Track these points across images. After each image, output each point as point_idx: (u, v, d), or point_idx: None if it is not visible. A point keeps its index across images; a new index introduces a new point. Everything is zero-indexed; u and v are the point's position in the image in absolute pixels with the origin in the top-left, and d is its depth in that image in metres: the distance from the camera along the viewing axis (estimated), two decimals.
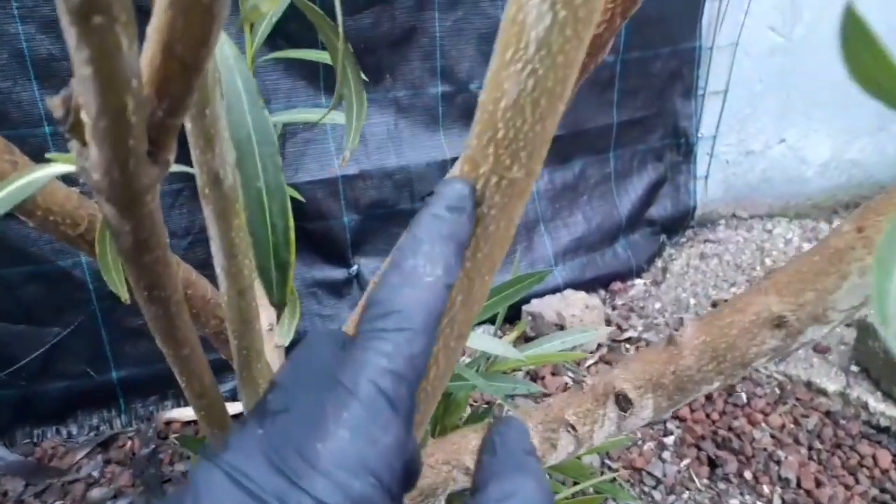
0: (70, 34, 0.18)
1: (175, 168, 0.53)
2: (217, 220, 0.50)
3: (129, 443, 1.32)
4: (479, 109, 0.34)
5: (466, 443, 0.78)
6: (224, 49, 0.39)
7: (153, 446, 1.31)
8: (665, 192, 1.80)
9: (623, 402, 0.62)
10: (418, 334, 0.27)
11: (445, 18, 1.36)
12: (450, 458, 0.79)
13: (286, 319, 0.70)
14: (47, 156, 0.38)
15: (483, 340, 0.77)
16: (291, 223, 0.42)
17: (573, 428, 0.67)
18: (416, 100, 1.36)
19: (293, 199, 1.10)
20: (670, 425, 1.30)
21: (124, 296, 0.55)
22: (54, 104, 0.25)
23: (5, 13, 1.06)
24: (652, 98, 1.65)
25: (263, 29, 0.94)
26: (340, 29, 0.49)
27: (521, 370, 1.35)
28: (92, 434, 1.33)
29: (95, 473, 1.26)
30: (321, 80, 1.28)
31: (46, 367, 1.27)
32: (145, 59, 0.22)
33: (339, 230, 1.38)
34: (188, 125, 0.45)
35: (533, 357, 0.85)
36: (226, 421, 0.69)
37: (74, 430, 1.33)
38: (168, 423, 1.35)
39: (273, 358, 0.91)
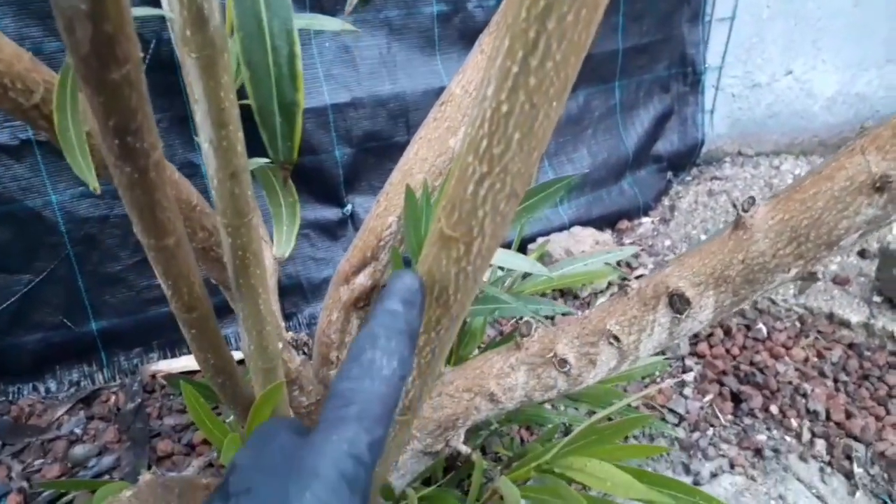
0: None
1: (146, 11, 0.43)
2: (202, 74, 0.40)
3: (113, 397, 1.23)
4: None
5: (490, 367, 0.69)
6: None
7: (139, 400, 1.22)
8: (672, 125, 1.71)
9: (679, 303, 0.54)
10: (377, 423, 0.29)
11: None
12: (472, 384, 0.71)
13: (284, 226, 0.61)
14: None
15: (509, 257, 0.68)
16: (298, 49, 0.33)
17: (616, 339, 0.59)
18: (409, 20, 1.26)
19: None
20: (689, 362, 1.24)
21: (93, 184, 0.46)
22: None
23: None
24: (658, 23, 1.55)
25: None
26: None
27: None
28: (72, 390, 1.24)
29: (78, 430, 1.17)
30: None
31: (19, 319, 1.17)
32: None
33: (330, 165, 1.28)
34: None
35: (561, 278, 0.77)
36: (219, 342, 0.60)
37: (53, 385, 1.24)
38: (154, 375, 1.26)
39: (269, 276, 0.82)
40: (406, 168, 0.77)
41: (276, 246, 0.62)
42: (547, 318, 1.15)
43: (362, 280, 0.86)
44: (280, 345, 0.70)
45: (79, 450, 1.13)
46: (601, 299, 1.35)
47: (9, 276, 1.14)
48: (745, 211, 0.48)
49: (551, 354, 0.62)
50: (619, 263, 1.46)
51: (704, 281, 0.52)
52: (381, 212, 0.81)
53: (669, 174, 1.75)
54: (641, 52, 1.56)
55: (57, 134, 0.44)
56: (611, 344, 0.59)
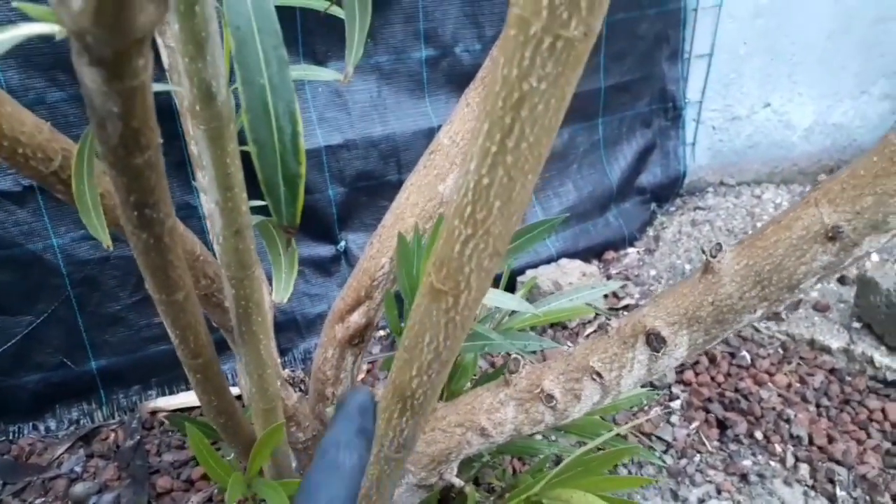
0: None
1: (157, 87, 0.47)
2: (210, 144, 0.44)
3: (113, 435, 1.25)
4: None
5: (480, 402, 0.73)
6: None
7: (138, 437, 1.24)
8: (654, 158, 1.77)
9: (655, 342, 0.58)
10: None
11: None
12: (463, 419, 0.74)
13: (283, 273, 0.64)
14: (15, 4, 0.32)
15: (497, 296, 0.72)
16: (300, 128, 0.37)
17: (598, 375, 0.63)
18: (399, 65, 1.31)
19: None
20: (675, 389, 1.27)
21: (107, 241, 0.49)
22: None
23: None
24: (639, 61, 1.61)
25: None
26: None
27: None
28: (72, 428, 1.26)
29: (78, 468, 1.19)
30: (300, 45, 1.22)
31: (20, 360, 1.19)
32: None
33: (324, 204, 1.32)
34: (174, 27, 0.40)
35: (547, 313, 0.80)
36: (222, 385, 0.63)
37: (53, 424, 1.26)
38: (153, 412, 1.29)
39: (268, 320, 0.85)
40: (398, 212, 0.81)
41: (275, 292, 0.66)
42: (534, 352, 1.19)
43: (357, 318, 0.89)
44: (278, 383, 0.73)
45: (79, 488, 1.14)
46: (589, 329, 1.39)
47: (10, 318, 1.16)
48: (713, 257, 0.52)
49: (538, 390, 0.66)
50: (605, 295, 1.50)
51: (678, 321, 0.56)
52: (374, 253, 0.85)
53: (653, 205, 1.80)
54: (623, 90, 1.62)
55: (74, 197, 0.47)
56: (594, 380, 0.62)
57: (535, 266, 1.50)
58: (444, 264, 0.40)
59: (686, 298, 0.55)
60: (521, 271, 1.49)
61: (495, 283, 1.02)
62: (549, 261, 1.53)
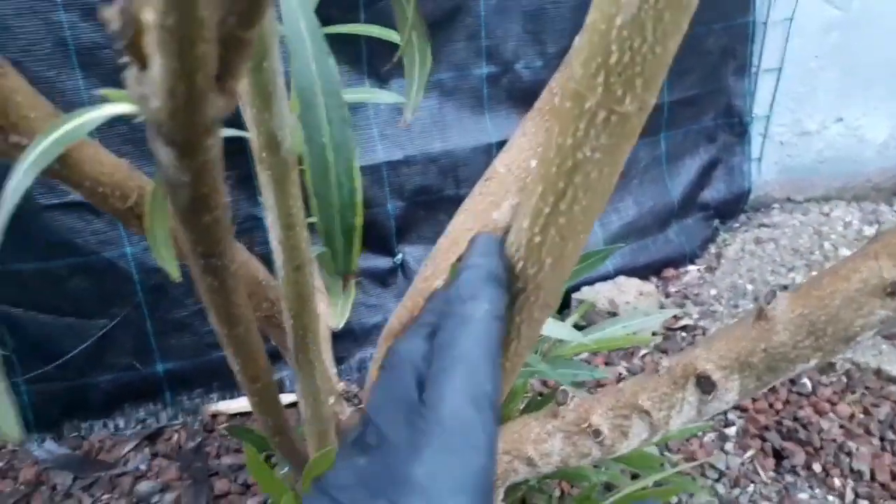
0: None
1: (230, 132, 0.49)
2: (274, 187, 0.46)
3: (176, 436, 1.30)
4: (583, 33, 0.30)
5: (528, 431, 0.73)
6: None
7: (199, 439, 1.29)
8: (718, 174, 1.73)
9: (705, 385, 0.57)
10: (479, 367, 0.31)
11: None
12: (510, 447, 0.75)
13: (340, 300, 0.67)
14: (101, 92, 0.35)
15: (546, 323, 0.72)
16: (359, 184, 0.39)
17: (647, 414, 0.63)
18: (460, 82, 1.32)
19: None
20: (731, 415, 1.24)
21: (175, 274, 0.52)
22: (110, 15, 0.21)
23: (48, 1, 1.05)
24: (704, 76, 1.58)
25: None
26: None
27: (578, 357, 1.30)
28: (139, 427, 1.32)
29: (143, 467, 1.25)
30: (364, 64, 1.25)
31: (93, 360, 1.26)
32: None
33: (383, 218, 1.34)
34: (243, 80, 0.42)
35: (598, 342, 0.80)
36: (278, 408, 0.65)
37: (122, 423, 1.32)
38: (214, 415, 1.34)
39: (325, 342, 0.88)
40: (453, 236, 0.82)
41: (331, 317, 0.68)
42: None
43: None
44: (332, 399, 0.76)
45: (143, 486, 1.20)
46: (644, 351, 1.37)
47: (86, 321, 1.23)
48: (768, 303, 0.51)
49: (586, 424, 0.66)
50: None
51: (730, 365, 0.55)
52: (427, 275, 0.86)
53: (716, 222, 1.76)
54: (688, 105, 1.59)
55: (146, 232, 0.50)
56: (642, 418, 0.62)
57: (591, 283, 1.49)
58: None
59: (738, 343, 0.54)
60: (577, 288, 1.48)
61: None
62: (606, 277, 1.52)
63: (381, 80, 1.26)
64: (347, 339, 1.40)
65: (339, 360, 1.40)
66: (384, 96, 0.93)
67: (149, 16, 0.18)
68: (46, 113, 0.41)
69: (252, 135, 0.45)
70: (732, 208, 1.79)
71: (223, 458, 1.25)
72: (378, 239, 1.36)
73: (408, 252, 1.41)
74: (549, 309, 0.40)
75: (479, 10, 1.28)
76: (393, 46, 0.97)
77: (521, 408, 0.91)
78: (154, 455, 1.28)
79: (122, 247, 1.22)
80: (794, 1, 1.62)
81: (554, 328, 0.73)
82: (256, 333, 0.53)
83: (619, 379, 1.29)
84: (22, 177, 0.29)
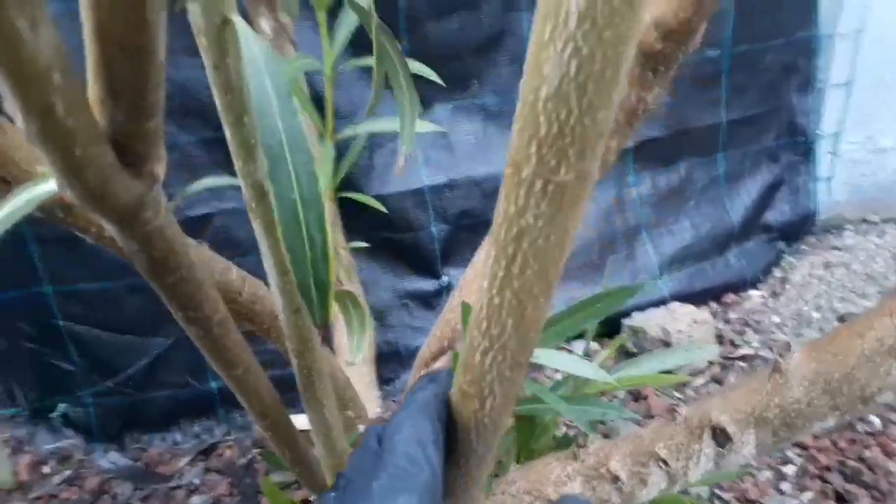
0: None
1: (226, 181, 0.51)
2: (266, 234, 0.47)
3: (228, 451, 1.34)
4: (519, 102, 0.29)
5: (549, 472, 0.72)
6: (251, 48, 0.36)
7: (250, 456, 1.33)
8: (782, 195, 1.65)
9: (720, 437, 0.55)
10: (422, 421, 0.38)
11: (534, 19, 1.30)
12: (532, 487, 0.74)
13: (356, 335, 0.67)
14: (41, 169, 0.37)
15: (567, 360, 0.71)
16: (330, 238, 0.39)
17: (665, 463, 0.60)
18: (504, 106, 1.32)
19: (378, 211, 1.07)
20: (790, 453, 1.18)
21: None
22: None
23: None
24: (764, 94, 1.51)
25: (343, 36, 0.92)
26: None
27: (618, 392, 1.27)
28: (195, 441, 1.37)
29: (196, 481, 1.29)
30: None
31: (152, 377, 1.32)
32: (88, 51, 0.19)
33: (427, 241, 1.35)
34: (227, 133, 0.43)
35: (625, 380, 0.78)
36: (293, 440, 0.67)
37: (179, 437, 1.37)
38: None
39: (354, 377, 0.89)
40: (478, 267, 0.82)
41: (349, 351, 0.69)
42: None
43: (440, 365, 0.91)
44: (345, 441, 0.76)
45: (196, 500, 1.24)
46: (700, 380, 1.32)
47: (146, 339, 1.29)
48: (782, 356, 0.49)
49: (605, 469, 0.64)
50: (721, 341, 1.42)
51: (745, 419, 0.52)
52: (454, 306, 0.86)
53: (781, 244, 1.68)
54: (747, 123, 1.53)
55: None
56: (660, 467, 0.60)
57: (643, 308, 1.45)
58: (468, 369, 0.41)
59: (754, 396, 0.52)
60: (628, 313, 1.44)
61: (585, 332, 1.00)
62: (660, 302, 1.47)
63: (424, 105, 1.27)
64: (393, 361, 1.41)
65: (385, 382, 1.42)
66: (422, 126, 0.94)
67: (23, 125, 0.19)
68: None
69: (242, 185, 0.46)
70: (798, 230, 1.70)
71: (272, 475, 1.28)
72: (423, 262, 1.37)
73: (452, 275, 1.41)
74: (519, 367, 0.39)
75: (522, 32, 1.27)
76: (432, 68, 0.98)
77: (554, 445, 0.89)
78: (207, 470, 1.32)
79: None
80: (863, 11, 1.54)
81: (577, 366, 0.72)
82: (258, 373, 0.54)
83: (671, 410, 1.24)
84: None
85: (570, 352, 0.91)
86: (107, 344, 1.28)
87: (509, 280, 0.35)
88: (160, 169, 0.26)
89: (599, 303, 0.72)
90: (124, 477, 1.32)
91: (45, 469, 1.31)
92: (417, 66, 0.91)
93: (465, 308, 0.70)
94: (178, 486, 1.28)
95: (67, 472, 1.30)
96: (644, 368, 0.84)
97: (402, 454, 0.35)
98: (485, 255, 0.37)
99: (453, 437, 0.42)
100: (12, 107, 0.18)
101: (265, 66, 0.37)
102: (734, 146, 1.54)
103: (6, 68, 0.16)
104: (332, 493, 0.36)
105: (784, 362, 0.49)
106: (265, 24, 1.00)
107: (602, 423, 1.23)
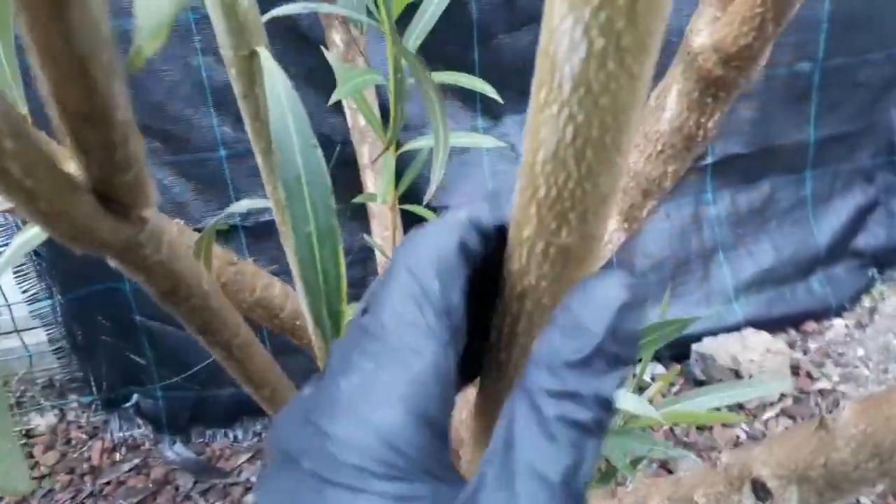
0: None
1: (263, 203, 0.51)
2: (288, 248, 0.48)
3: None
4: (522, 160, 0.28)
5: None
6: (275, 82, 0.36)
7: None
8: (876, 218, 1.54)
9: (761, 492, 0.51)
10: (423, 271, 0.23)
11: None
12: None
13: None
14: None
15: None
16: (343, 270, 0.39)
17: None
18: None
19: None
20: (864, 500, 1.10)
21: None
22: None
23: (188, 47, 1.15)
24: (860, 110, 1.42)
25: (410, 48, 0.92)
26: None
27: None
28: (255, 440, 1.41)
29: (253, 479, 1.33)
30: (477, 101, 1.25)
31: (216, 376, 1.36)
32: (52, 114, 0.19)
33: None
34: (257, 159, 0.44)
35: (672, 416, 0.74)
36: None
37: (240, 434, 1.41)
38: None
39: None
40: None
41: None
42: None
43: None
44: None
45: (250, 499, 1.27)
46: (769, 413, 1.25)
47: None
48: (830, 412, 0.45)
49: None
50: (798, 373, 1.34)
51: (787, 475, 0.49)
52: None
53: (873, 271, 1.57)
54: (839, 141, 1.43)
55: None
56: None
57: (715, 333, 1.38)
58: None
59: (799, 452, 0.48)
60: (699, 337, 1.38)
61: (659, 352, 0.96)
62: (734, 328, 1.40)
63: (494, 117, 1.26)
64: None
65: None
66: (487, 141, 0.93)
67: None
68: None
69: (273, 208, 0.46)
70: (892, 257, 1.58)
71: None
72: None
73: None
74: None
75: None
76: (506, 82, 0.97)
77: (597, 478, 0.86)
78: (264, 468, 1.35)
79: None
80: None
81: (624, 400, 0.69)
82: (286, 392, 0.54)
83: (737, 443, 1.18)
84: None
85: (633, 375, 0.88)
86: (178, 340, 1.33)
87: (513, 338, 0.33)
88: (149, 212, 0.26)
89: (652, 334, 0.69)
90: (187, 469, 1.37)
91: (116, 456, 1.37)
92: (480, 85, 0.90)
93: None
94: (236, 483, 1.32)
95: (136, 461, 1.37)
96: (703, 402, 0.80)
97: (390, 327, 0.22)
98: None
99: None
100: None
101: (286, 102, 0.37)
102: (824, 165, 1.45)
103: None
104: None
105: (831, 419, 0.45)
106: (337, 37, 1.01)
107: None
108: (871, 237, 1.54)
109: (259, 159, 0.43)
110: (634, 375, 0.95)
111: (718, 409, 0.98)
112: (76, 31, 0.16)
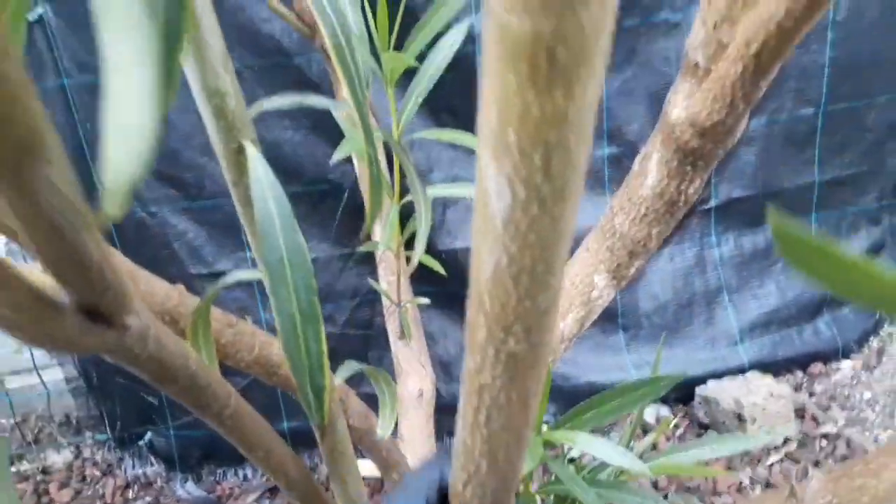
0: None
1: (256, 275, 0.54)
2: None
3: None
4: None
5: None
6: (258, 171, 0.39)
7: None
8: (883, 259, 1.54)
9: None
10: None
11: (614, 79, 1.30)
12: None
13: (387, 410, 0.69)
14: None
15: (600, 447, 0.69)
16: (325, 348, 0.41)
17: None
18: None
19: (448, 265, 1.08)
20: None
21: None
22: None
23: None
24: (865, 153, 1.43)
25: (410, 108, 0.96)
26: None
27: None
28: (264, 479, 1.43)
29: None
30: None
31: None
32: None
33: None
34: (249, 241, 0.47)
35: (661, 468, 0.75)
36: (320, 500, 0.69)
37: (250, 473, 1.44)
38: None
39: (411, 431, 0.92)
40: None
41: (379, 427, 0.71)
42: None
43: None
44: None
45: None
46: (773, 457, 1.25)
47: (224, 377, 1.36)
48: (800, 482, 0.46)
49: None
50: (803, 416, 1.33)
51: None
52: None
53: (880, 312, 1.57)
54: (844, 184, 1.44)
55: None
56: None
57: (720, 375, 1.39)
58: (454, 491, 0.41)
59: None
60: (703, 380, 1.39)
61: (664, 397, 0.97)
62: (739, 370, 1.41)
63: None
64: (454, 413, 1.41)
65: (450, 434, 1.42)
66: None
67: None
68: None
69: (266, 285, 0.49)
70: None
71: None
72: None
73: None
74: (502, 501, 0.40)
75: (600, 92, 1.26)
76: None
77: None
78: None
79: (259, 313, 1.34)
80: None
81: (611, 454, 0.70)
82: (281, 453, 0.57)
83: (740, 488, 1.18)
84: None
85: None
86: None
87: (478, 428, 0.36)
88: (133, 320, 0.29)
89: (640, 390, 0.71)
90: None
91: (129, 493, 1.40)
92: (468, 139, 0.93)
93: None
94: None
95: (148, 499, 1.39)
96: (701, 453, 0.81)
97: None
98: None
99: None
100: None
101: (269, 191, 0.40)
102: (829, 207, 1.46)
103: None
104: None
105: (800, 489, 0.46)
106: (345, 90, 1.05)
107: None
108: None
109: (251, 241, 0.46)
110: (631, 422, 0.96)
111: (717, 459, 0.98)
112: (40, 197, 0.19)
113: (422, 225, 0.54)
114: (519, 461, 0.37)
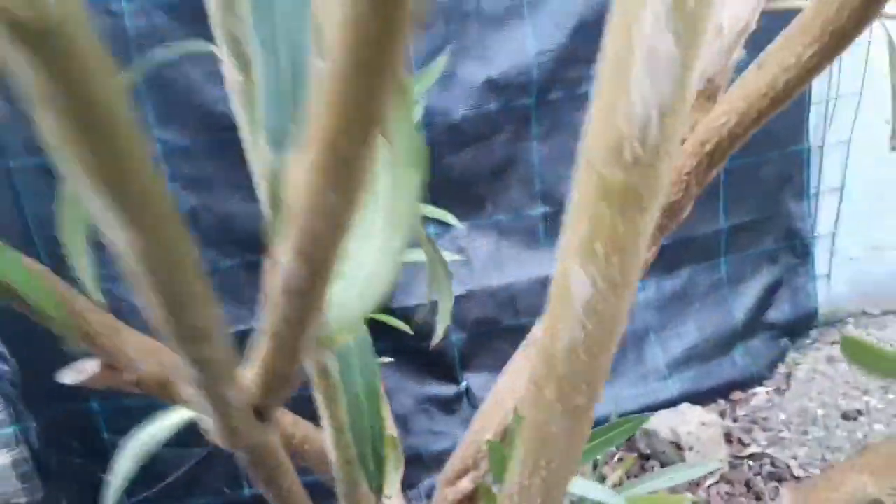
0: None
1: None
2: (325, 400, 0.56)
3: None
4: (539, 345, 0.38)
5: None
6: None
7: None
8: (783, 295, 1.73)
9: None
10: None
11: (543, 146, 1.43)
12: None
13: (393, 469, 0.75)
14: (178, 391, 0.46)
15: (581, 485, 0.77)
16: (385, 424, 0.48)
17: None
18: (516, 222, 1.42)
19: (394, 328, 1.14)
20: None
21: None
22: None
23: None
24: (762, 202, 1.62)
25: None
26: None
27: None
28: None
29: None
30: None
31: (191, 485, 1.38)
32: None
33: (447, 348, 1.44)
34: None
35: (637, 499, 0.84)
36: None
37: None
38: None
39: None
40: (498, 397, 0.90)
41: (387, 488, 0.76)
42: None
43: (466, 483, 0.98)
44: None
45: None
46: (710, 480, 1.37)
47: (184, 450, 1.36)
48: (772, 500, 0.56)
49: None
50: (730, 440, 1.47)
51: None
52: (477, 429, 0.94)
53: (785, 341, 1.75)
54: (746, 230, 1.63)
55: None
56: None
57: (655, 408, 1.51)
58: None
59: None
60: (639, 413, 1.50)
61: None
62: (669, 403, 1.54)
63: (446, 225, 1.38)
64: (416, 466, 1.47)
65: (409, 487, 1.47)
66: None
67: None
68: (154, 359, 0.53)
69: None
70: (801, 327, 1.78)
71: None
72: (443, 368, 1.45)
73: (471, 379, 1.48)
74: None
75: (532, 159, 1.39)
76: (452, 194, 1.08)
77: None
78: None
79: None
80: (850, 124, 1.66)
81: (591, 489, 0.79)
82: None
83: None
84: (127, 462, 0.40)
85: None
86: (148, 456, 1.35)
87: (537, 470, 0.43)
88: (276, 415, 0.35)
89: (613, 432, 0.80)
90: None
91: None
92: (441, 214, 1.01)
93: (492, 447, 0.77)
94: None
95: None
96: (656, 484, 0.91)
97: None
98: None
99: None
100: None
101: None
102: (735, 251, 1.64)
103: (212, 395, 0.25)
104: None
105: None
106: None
107: None
108: (779, 312, 1.73)
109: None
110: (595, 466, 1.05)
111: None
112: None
113: (443, 310, 0.61)
114: (564, 492, 0.45)
